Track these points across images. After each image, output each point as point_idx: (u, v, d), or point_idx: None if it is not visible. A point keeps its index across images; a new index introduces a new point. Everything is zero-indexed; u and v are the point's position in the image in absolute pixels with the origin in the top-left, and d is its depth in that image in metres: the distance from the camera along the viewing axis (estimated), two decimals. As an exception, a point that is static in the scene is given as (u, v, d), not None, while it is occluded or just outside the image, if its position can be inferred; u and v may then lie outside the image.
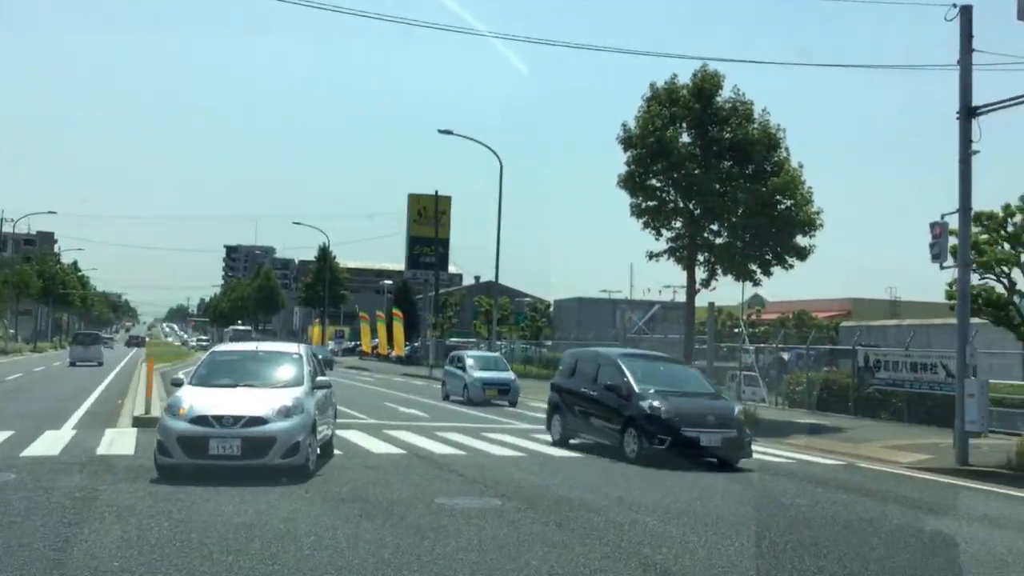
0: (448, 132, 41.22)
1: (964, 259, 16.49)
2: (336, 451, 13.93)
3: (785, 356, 33.15)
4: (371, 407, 24.29)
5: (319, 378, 12.83)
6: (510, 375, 28.94)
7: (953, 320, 19.95)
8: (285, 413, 11.20)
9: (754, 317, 62.31)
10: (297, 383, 12.08)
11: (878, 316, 55.07)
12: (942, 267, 16.85)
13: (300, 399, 11.59)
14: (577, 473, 12.96)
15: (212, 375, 12.32)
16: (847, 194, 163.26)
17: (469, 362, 29.07)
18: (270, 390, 11.81)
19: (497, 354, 34.51)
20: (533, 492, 10.98)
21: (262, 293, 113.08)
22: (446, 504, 9.84)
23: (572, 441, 16.48)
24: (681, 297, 28.14)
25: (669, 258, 25.03)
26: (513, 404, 27.19)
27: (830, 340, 43.83)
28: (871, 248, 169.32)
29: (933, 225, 16.56)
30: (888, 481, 13.48)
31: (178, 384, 12.35)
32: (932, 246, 16.58)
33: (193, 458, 10.91)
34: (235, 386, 11.92)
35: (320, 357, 52.89)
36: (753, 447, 14.81)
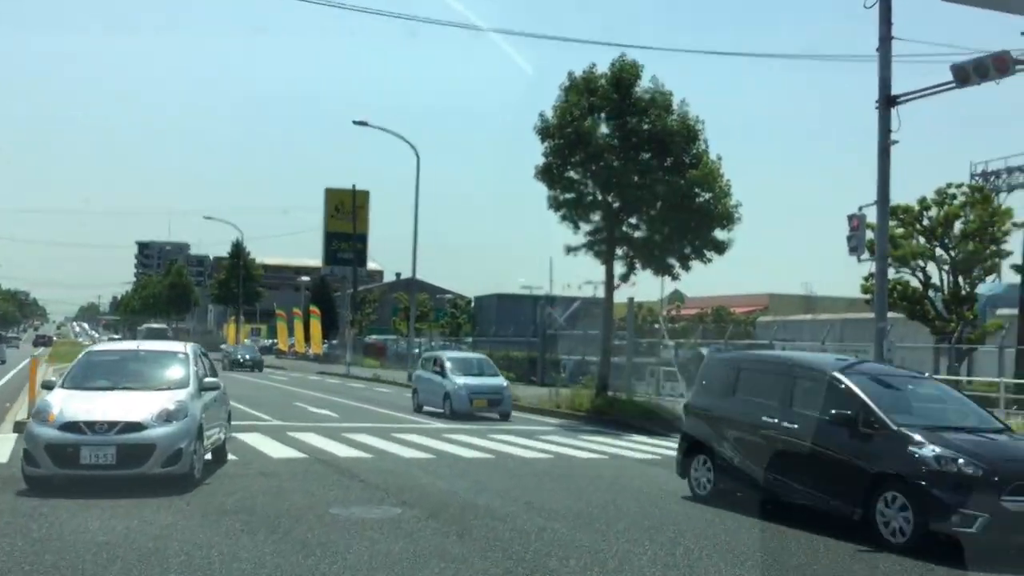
0: (363, 123, 40.23)
1: (882, 251, 16.30)
2: (231, 456, 13.01)
3: (704, 351, 33.08)
4: (279, 407, 23.26)
5: (208, 379, 11.89)
6: (501, 381, 23.64)
7: (866, 314, 19.92)
8: (166, 417, 10.28)
9: (673, 313, 62.90)
10: (182, 385, 11.13)
11: (794, 311, 55.70)
12: (859, 260, 16.74)
13: (184, 402, 10.67)
14: (487, 476, 12.28)
15: (87, 377, 11.28)
16: (764, 188, 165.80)
17: (449, 365, 23.47)
18: (151, 393, 10.84)
19: (483, 355, 28.33)
20: (438, 498, 10.28)
21: (174, 291, 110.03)
22: (340, 515, 9.09)
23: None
24: (602, 293, 27.70)
25: (587, 252, 24.57)
26: (506, 417, 22.30)
27: (747, 335, 44.18)
28: (788, 242, 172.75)
29: (851, 217, 16.34)
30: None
31: (49, 387, 11.31)
32: (850, 238, 16.37)
33: (63, 468, 9.95)
34: (112, 388, 10.93)
35: (249, 357, 50.74)
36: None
